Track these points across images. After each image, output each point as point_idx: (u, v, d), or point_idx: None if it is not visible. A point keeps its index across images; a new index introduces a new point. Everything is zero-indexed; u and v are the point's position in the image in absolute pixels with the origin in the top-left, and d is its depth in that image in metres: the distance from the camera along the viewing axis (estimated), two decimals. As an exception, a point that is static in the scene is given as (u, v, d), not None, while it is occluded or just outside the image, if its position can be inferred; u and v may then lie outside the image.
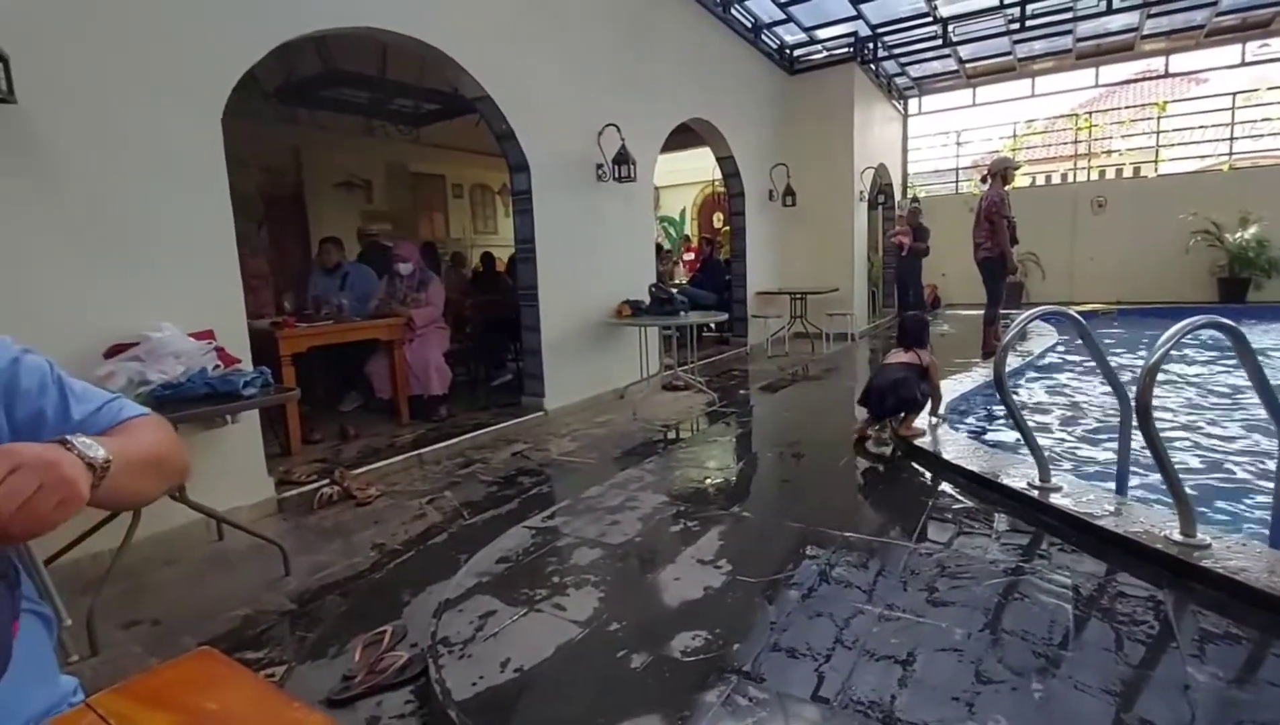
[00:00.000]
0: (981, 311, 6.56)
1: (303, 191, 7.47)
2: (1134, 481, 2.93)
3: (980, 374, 5.31)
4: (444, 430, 4.46)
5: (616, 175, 5.30)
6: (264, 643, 2.07)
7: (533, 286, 4.89)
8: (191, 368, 2.44)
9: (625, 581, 2.21)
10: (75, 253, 2.52)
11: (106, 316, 2.56)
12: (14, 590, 0.66)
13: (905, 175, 12.33)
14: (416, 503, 3.30)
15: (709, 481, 3.33)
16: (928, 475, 3.21)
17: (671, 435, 4.42)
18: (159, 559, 2.64)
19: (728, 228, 8.89)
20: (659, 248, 7.57)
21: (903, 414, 3.71)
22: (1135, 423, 2.17)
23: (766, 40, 8.17)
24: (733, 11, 7.28)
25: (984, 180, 6.69)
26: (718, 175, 8.24)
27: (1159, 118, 11.73)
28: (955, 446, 3.38)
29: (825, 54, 8.88)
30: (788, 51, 8.69)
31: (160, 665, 0.76)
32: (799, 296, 8.14)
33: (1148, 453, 2.15)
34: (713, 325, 7.79)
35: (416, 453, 3.97)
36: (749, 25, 7.73)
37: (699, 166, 11.30)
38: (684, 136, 6.88)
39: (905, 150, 12.24)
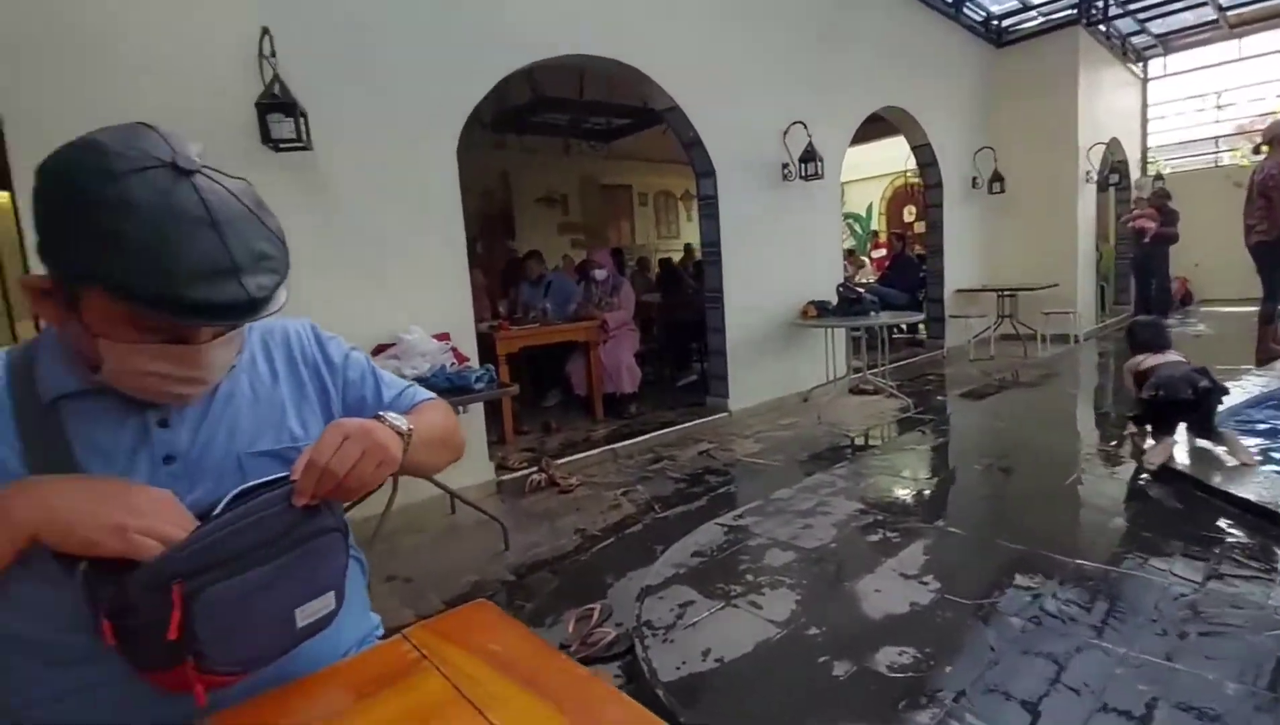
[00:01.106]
0: (1255, 308, 5.45)
1: (511, 209, 8.29)
2: None
3: (1254, 383, 4.42)
4: (634, 427, 4.70)
5: (803, 173, 5.21)
6: (491, 608, 2.36)
7: (718, 289, 4.97)
8: (435, 365, 2.85)
9: (822, 587, 2.18)
10: (348, 268, 3.06)
11: (373, 322, 3.08)
12: (345, 538, 0.83)
13: (1144, 149, 10.58)
14: (612, 494, 3.52)
15: (906, 491, 3.15)
16: (1186, 501, 2.74)
17: (860, 441, 4.25)
18: (407, 527, 3.10)
19: (921, 221, 8.28)
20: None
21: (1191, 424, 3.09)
22: None
23: (969, 13, 7.49)
24: (932, -12, 6.80)
25: (1258, 150, 5.54)
26: (911, 165, 7.72)
27: None
28: (1223, 469, 2.85)
29: (1041, 20, 7.93)
30: (995, 23, 7.89)
31: (448, 611, 0.91)
32: (1007, 293, 7.35)
33: None
34: (904, 326, 7.32)
35: (610, 447, 4.23)
36: (949, 0, 7.15)
37: (889, 157, 10.68)
38: (874, 127, 6.55)
39: (1145, 120, 10.51)
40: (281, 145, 2.75)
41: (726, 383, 5.00)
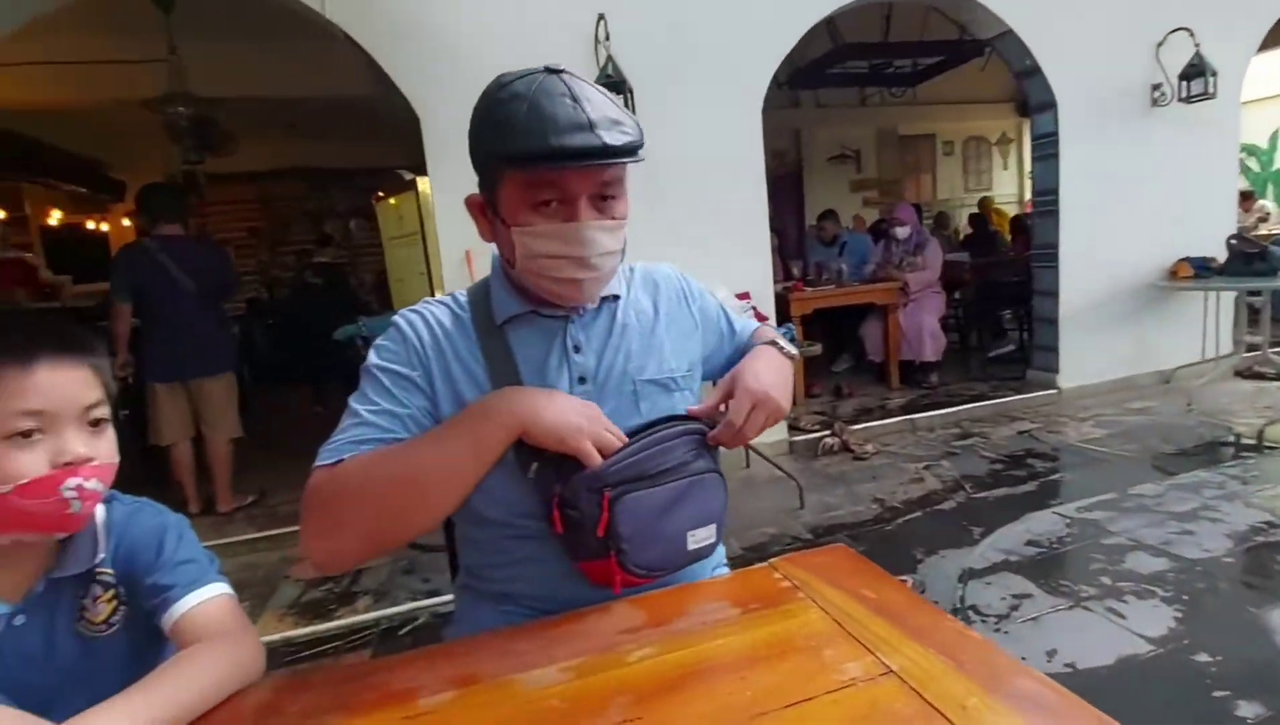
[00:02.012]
0: None
1: (801, 169, 8.08)
2: None
3: None
4: (935, 398, 4.30)
5: (1183, 95, 4.10)
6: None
7: (1052, 245, 4.22)
8: (738, 322, 2.92)
9: (1215, 607, 1.75)
10: (664, 232, 3.25)
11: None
12: (724, 481, 0.90)
13: None
14: (913, 466, 3.27)
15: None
16: None
17: (1252, 439, 3.28)
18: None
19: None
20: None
21: None
22: None
23: None
24: None
25: None
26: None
27: None
28: None
29: None
30: None
31: (807, 551, 0.91)
32: None
33: None
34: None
35: (908, 417, 3.93)
36: None
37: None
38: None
39: None
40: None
41: (1056, 355, 4.26)
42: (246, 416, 3.44)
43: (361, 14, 2.82)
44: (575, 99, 0.76)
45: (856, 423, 3.85)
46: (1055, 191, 4.16)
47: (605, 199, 0.82)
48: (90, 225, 6.79)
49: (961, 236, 7.68)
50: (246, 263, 7.27)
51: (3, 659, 0.73)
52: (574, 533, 0.77)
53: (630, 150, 0.78)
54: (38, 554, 0.75)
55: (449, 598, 2.30)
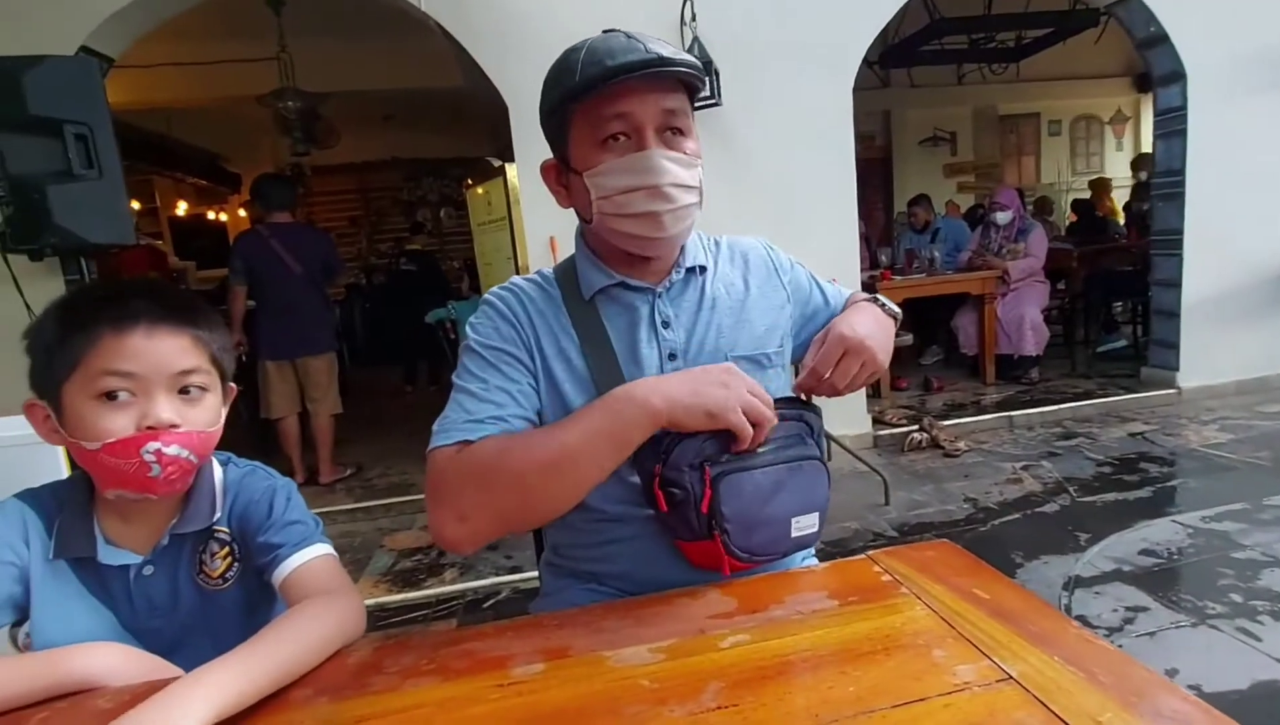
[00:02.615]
0: None
1: (890, 152, 7.73)
2: None
3: None
4: (1035, 395, 4.04)
5: (1340, 62, 3.64)
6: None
7: (1176, 231, 3.86)
8: (823, 309, 2.82)
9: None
10: (752, 216, 3.19)
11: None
12: (827, 472, 0.85)
13: None
14: (1010, 466, 3.08)
15: None
16: None
17: None
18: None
19: None
20: None
21: None
22: None
23: None
24: None
25: None
26: None
27: None
28: None
29: None
30: None
31: (907, 545, 0.86)
32: None
33: None
34: None
35: (1005, 414, 3.71)
36: None
37: None
38: None
39: None
40: (697, 105, 2.98)
41: (1177, 352, 3.90)
42: (345, 396, 3.64)
43: (455, 7, 2.89)
44: (630, 36, 0.79)
45: (947, 418, 3.66)
46: (1181, 172, 3.79)
47: (672, 132, 0.81)
48: (211, 215, 7.36)
49: (1066, 223, 7.15)
50: (347, 251, 7.67)
51: (133, 605, 0.79)
52: (677, 511, 0.76)
53: (688, 66, 0.79)
54: (164, 511, 0.81)
55: (531, 574, 2.37)
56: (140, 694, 0.64)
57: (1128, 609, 1.68)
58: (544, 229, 3.01)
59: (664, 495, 0.75)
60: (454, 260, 6.95)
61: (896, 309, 0.95)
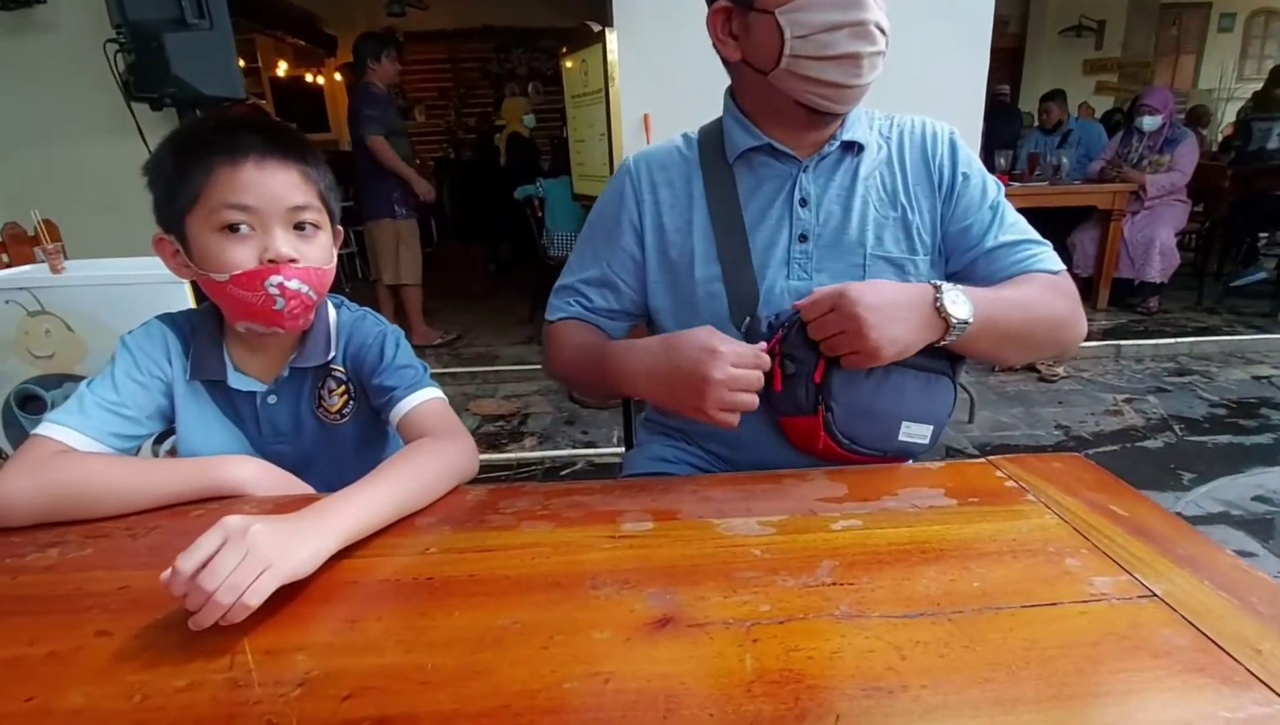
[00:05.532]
0: None
1: (1023, 41, 6.87)
2: None
3: None
4: (1150, 326, 3.73)
5: None
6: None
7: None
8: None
9: None
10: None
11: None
12: (955, 391, 0.82)
13: None
14: (1110, 397, 2.90)
15: None
16: None
17: None
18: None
19: None
20: None
21: None
22: None
23: None
24: None
25: None
26: None
27: None
28: None
29: None
30: None
31: (1029, 454, 0.81)
32: None
33: None
34: None
35: (1113, 343, 3.45)
36: None
37: None
38: None
39: None
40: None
41: (1329, 291, 3.48)
42: (431, 271, 3.71)
43: None
44: None
45: (1047, 342, 3.44)
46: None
47: None
48: (309, 78, 7.39)
49: (1220, 138, 6.29)
50: (436, 123, 7.64)
51: (260, 430, 0.85)
52: (788, 385, 0.74)
53: None
54: (285, 346, 0.84)
55: (605, 450, 2.45)
56: (282, 505, 0.70)
57: (1235, 554, 1.59)
58: (639, 106, 2.86)
59: (780, 371, 0.74)
60: (542, 138, 6.80)
61: (965, 316, 0.72)
